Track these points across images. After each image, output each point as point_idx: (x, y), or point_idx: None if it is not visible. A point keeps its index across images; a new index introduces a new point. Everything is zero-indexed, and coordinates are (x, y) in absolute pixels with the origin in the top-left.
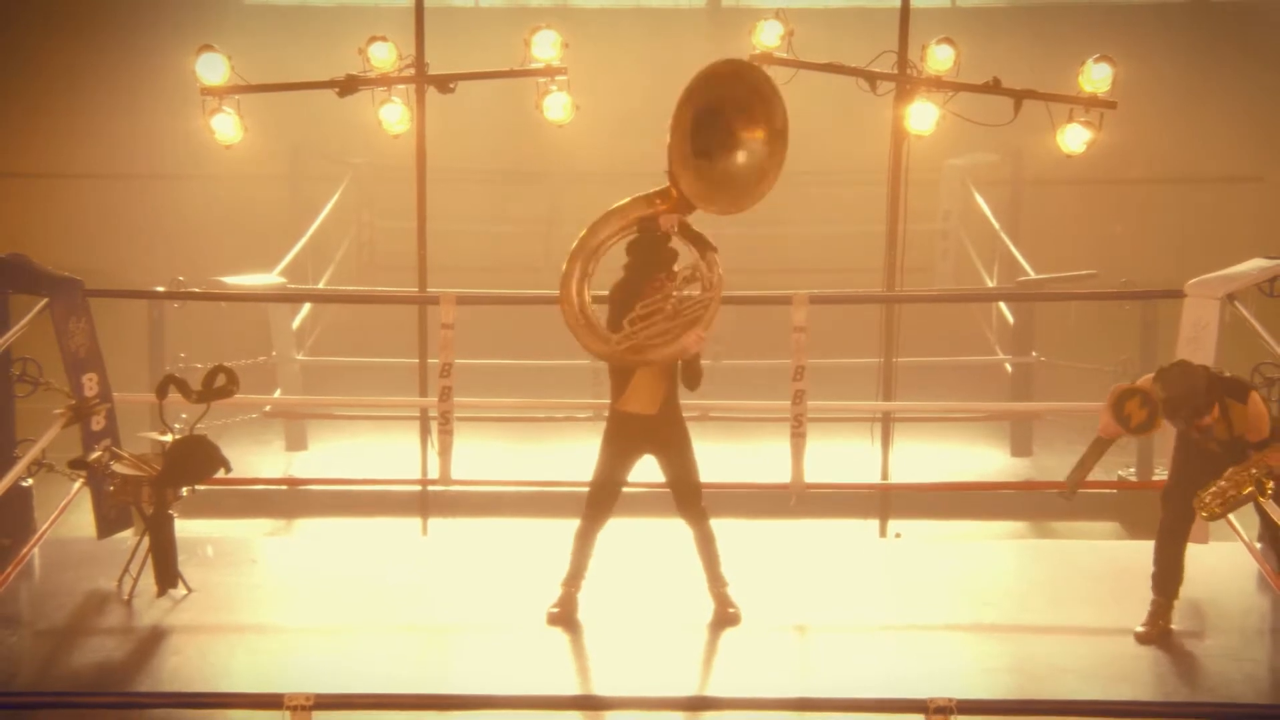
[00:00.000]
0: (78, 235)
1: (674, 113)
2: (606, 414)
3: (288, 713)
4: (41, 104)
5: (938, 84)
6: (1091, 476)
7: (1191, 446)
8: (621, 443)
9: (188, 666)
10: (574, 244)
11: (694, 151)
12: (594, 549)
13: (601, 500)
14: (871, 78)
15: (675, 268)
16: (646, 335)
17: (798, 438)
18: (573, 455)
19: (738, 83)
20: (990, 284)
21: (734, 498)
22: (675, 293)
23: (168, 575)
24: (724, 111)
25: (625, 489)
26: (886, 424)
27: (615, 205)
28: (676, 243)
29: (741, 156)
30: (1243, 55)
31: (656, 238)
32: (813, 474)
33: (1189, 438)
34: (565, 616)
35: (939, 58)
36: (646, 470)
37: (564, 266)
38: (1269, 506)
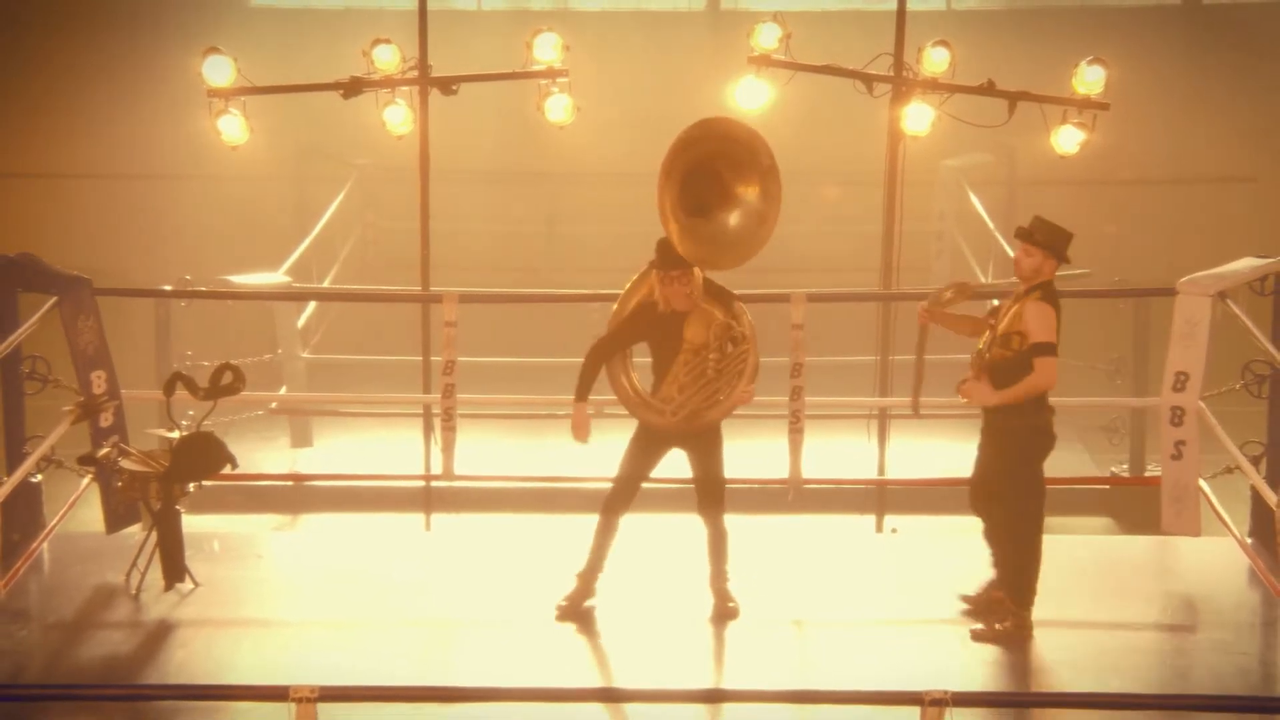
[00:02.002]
0: (82, 235)
1: (659, 186)
2: (610, 410)
3: (293, 705)
4: (44, 104)
5: (933, 86)
6: (1087, 473)
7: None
8: (653, 438)
9: (194, 660)
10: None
11: (687, 212)
12: (613, 542)
13: (623, 493)
14: (868, 80)
15: (705, 326)
16: (697, 402)
17: (795, 434)
18: (574, 451)
19: (711, 139)
20: (985, 283)
21: (732, 493)
22: (712, 355)
23: (175, 570)
24: (712, 169)
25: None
26: (883, 420)
27: (628, 285)
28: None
29: (737, 210)
30: (1237, 56)
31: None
32: (810, 470)
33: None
34: (574, 609)
35: (935, 60)
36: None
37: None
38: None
